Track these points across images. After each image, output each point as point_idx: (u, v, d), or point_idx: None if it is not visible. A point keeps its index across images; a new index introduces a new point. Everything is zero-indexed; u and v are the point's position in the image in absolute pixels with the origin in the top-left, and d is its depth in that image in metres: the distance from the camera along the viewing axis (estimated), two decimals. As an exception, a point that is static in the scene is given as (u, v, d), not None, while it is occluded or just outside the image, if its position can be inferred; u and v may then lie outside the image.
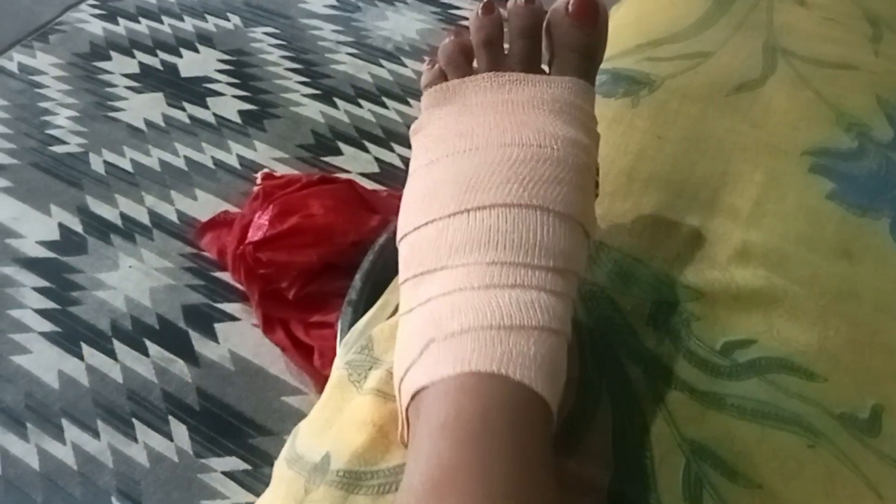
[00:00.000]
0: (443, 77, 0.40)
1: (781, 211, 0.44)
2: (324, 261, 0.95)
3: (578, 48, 0.38)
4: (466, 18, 1.49)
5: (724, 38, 0.56)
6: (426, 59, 0.45)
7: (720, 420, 0.36)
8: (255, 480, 0.88)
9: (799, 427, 0.36)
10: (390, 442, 0.36)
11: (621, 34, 0.57)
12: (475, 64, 0.41)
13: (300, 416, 0.93)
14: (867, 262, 0.41)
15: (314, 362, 0.93)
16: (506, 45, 0.40)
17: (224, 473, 0.89)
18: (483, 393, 0.29)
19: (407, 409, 0.32)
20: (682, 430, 0.36)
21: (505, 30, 0.40)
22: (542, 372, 0.30)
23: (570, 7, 0.37)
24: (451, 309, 0.32)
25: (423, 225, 0.35)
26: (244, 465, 0.90)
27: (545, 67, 0.40)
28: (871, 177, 0.45)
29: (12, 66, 1.43)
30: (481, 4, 0.40)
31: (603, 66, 0.54)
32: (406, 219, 0.37)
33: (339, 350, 0.61)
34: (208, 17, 1.53)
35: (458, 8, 1.52)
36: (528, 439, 0.29)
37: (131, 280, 1.09)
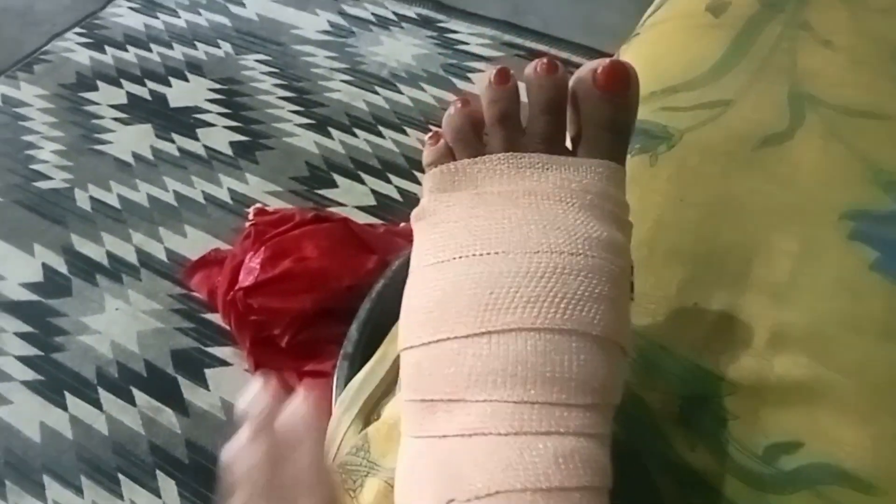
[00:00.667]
0: (450, 155, 0.35)
1: (820, 286, 0.40)
2: (318, 306, 0.90)
3: (609, 124, 0.33)
4: (464, 43, 1.45)
5: (745, 84, 0.52)
6: (429, 131, 0.39)
7: (765, 541, 0.32)
8: (248, 543, 0.84)
9: (857, 551, 0.31)
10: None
11: (633, 80, 0.53)
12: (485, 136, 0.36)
13: (295, 468, 0.89)
14: (920, 346, 0.37)
15: (309, 413, 0.88)
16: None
17: (215, 534, 0.84)
18: None
19: None
20: (722, 552, 0.32)
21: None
22: None
23: (597, 76, 0.32)
24: (473, 460, 0.27)
25: (434, 342, 0.30)
26: (236, 525, 0.85)
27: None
28: (918, 244, 0.41)
29: (-4, 98, 1.39)
30: (494, 72, 0.34)
31: (615, 116, 0.51)
32: (412, 329, 0.32)
33: (334, 409, 0.56)
34: (198, 44, 1.49)
35: (454, 32, 1.48)
36: None
37: (118, 324, 1.04)
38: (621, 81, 0.32)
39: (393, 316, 0.53)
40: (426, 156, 0.35)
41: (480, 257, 0.31)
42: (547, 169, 0.32)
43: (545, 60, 0.34)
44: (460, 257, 0.31)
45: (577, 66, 0.35)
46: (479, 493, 0.26)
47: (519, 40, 1.46)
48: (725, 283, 0.40)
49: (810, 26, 0.54)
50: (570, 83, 0.34)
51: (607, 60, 0.33)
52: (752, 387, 0.36)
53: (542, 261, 0.30)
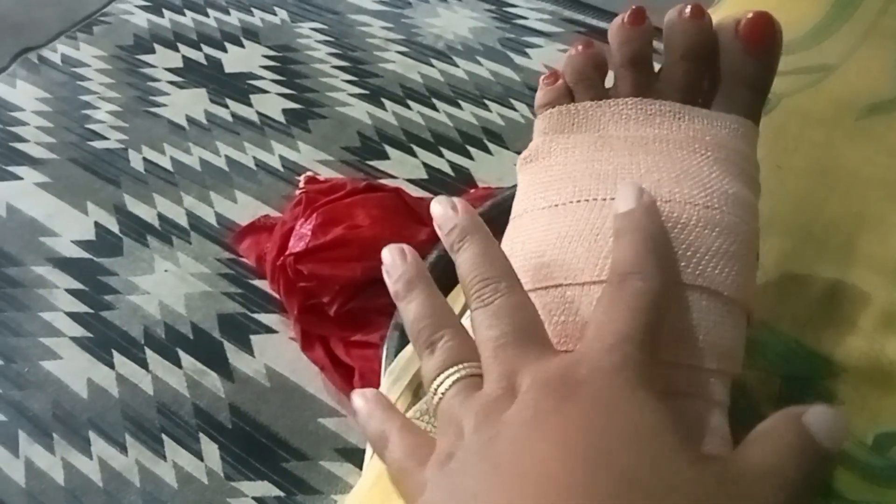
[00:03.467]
0: (569, 96, 0.32)
1: (938, 265, 0.36)
2: (368, 275, 0.88)
3: (749, 80, 0.30)
4: (523, 17, 1.41)
5: (849, 49, 0.48)
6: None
7: (875, 539, 0.28)
8: (288, 510, 0.83)
9: (981, 555, 0.28)
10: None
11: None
12: (608, 82, 0.33)
13: (337, 440, 0.88)
14: None
15: (354, 384, 0.87)
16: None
17: (255, 499, 0.84)
18: None
19: None
20: (828, 548, 0.28)
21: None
22: None
23: (741, 28, 0.30)
24: None
25: (543, 288, 0.27)
26: (277, 492, 0.84)
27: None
28: None
29: (55, 58, 1.40)
30: (628, 12, 0.31)
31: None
32: (521, 270, 0.29)
33: (383, 379, 0.54)
34: (255, 10, 1.48)
35: (513, 6, 1.44)
36: None
37: (166, 285, 1.04)
38: (767, 35, 0.30)
39: (446, 288, 0.50)
40: (541, 96, 0.33)
41: (604, 202, 0.28)
42: (679, 118, 0.30)
43: (693, 3, 0.31)
44: (579, 201, 0.29)
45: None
46: None
47: (579, 16, 1.41)
48: (830, 257, 0.37)
49: (925, -12, 0.50)
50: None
51: (752, 12, 0.30)
52: (861, 370, 0.33)
53: (674, 210, 0.27)
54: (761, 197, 0.40)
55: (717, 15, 0.56)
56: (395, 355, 0.54)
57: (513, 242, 0.30)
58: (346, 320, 0.89)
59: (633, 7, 0.31)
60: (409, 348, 0.55)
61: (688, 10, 0.31)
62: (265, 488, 0.84)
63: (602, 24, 1.38)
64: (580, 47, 0.32)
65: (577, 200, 0.29)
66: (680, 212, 0.27)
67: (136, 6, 1.51)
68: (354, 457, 0.84)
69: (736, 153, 0.29)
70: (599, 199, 0.28)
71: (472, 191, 1.10)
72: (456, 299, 0.49)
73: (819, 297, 0.35)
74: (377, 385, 0.54)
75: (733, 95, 0.30)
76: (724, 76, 0.31)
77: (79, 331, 1.00)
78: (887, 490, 0.29)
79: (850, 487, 0.29)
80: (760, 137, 0.43)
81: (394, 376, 0.54)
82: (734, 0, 0.55)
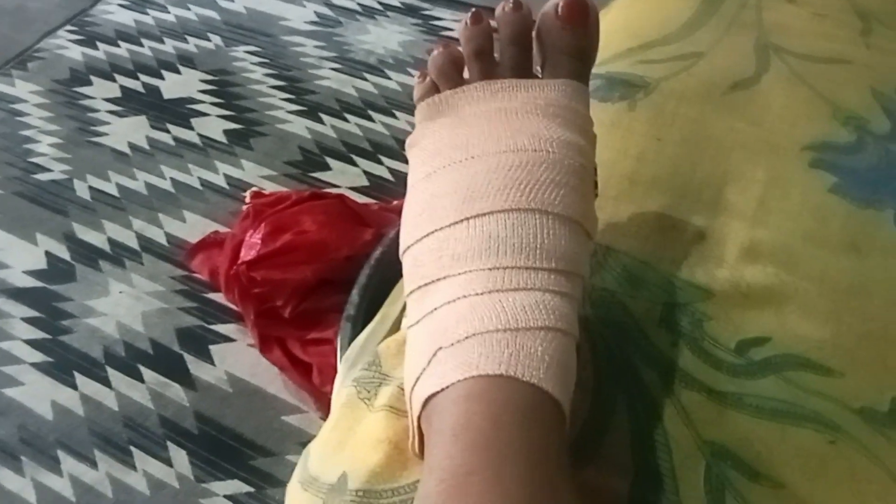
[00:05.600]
0: (435, 90, 0.40)
1: (786, 208, 0.44)
2: (318, 277, 0.94)
3: (570, 50, 0.38)
4: (448, 29, 1.49)
5: (716, 38, 0.56)
6: (417, 72, 0.45)
7: (739, 420, 0.36)
8: (259, 503, 0.87)
9: (819, 424, 0.35)
10: (407, 458, 0.35)
11: (612, 38, 0.57)
12: (466, 74, 0.41)
13: (301, 434, 0.93)
14: (875, 255, 0.41)
15: (313, 380, 0.92)
16: (497, 55, 0.40)
17: (227, 497, 0.87)
18: (492, 396, 0.29)
19: (419, 420, 0.32)
20: (701, 432, 0.35)
21: (495, 38, 0.40)
22: (550, 372, 0.29)
23: (559, 10, 0.38)
24: (456, 316, 0.31)
25: (425, 237, 0.35)
26: (247, 488, 0.88)
27: (538, 72, 0.40)
28: (872, 169, 0.45)
29: (-8, 95, 1.41)
30: (469, 14, 0.40)
31: (597, 70, 0.54)
32: (407, 232, 0.37)
33: (339, 366, 0.60)
34: (188, 38, 1.52)
35: (439, 19, 1.52)
36: (540, 441, 0.29)
37: (122, 305, 1.07)
38: (580, 11, 0.38)
39: (391, 282, 0.56)
40: (415, 92, 0.41)
41: (460, 163, 0.36)
42: (516, 90, 0.38)
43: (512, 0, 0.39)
44: (444, 167, 0.36)
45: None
46: (459, 337, 0.31)
47: (502, 25, 1.49)
48: (701, 209, 0.44)
49: (774, -16, 0.59)
50: (537, 19, 0.39)
51: None
52: (726, 293, 0.40)
53: (510, 158, 0.35)
54: (644, 163, 0.48)
55: (608, 17, 0.64)
56: (349, 345, 0.60)
57: (405, 209, 0.38)
58: (301, 321, 0.94)
59: (473, 10, 0.40)
60: (360, 337, 0.61)
61: (507, 4, 0.39)
62: (235, 486, 0.88)
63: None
64: (440, 48, 0.40)
65: (442, 167, 0.36)
66: (514, 158, 0.35)
67: (69, 40, 1.53)
68: (318, 449, 0.88)
69: (564, 108, 0.37)
70: (456, 162, 0.36)
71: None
72: (399, 296, 0.55)
73: (692, 240, 0.43)
74: (334, 377, 0.59)
75: (559, 65, 0.38)
76: (550, 50, 0.38)
77: (38, 356, 1.02)
78: (745, 381, 0.37)
79: (715, 381, 0.37)
80: (643, 115, 0.51)
81: (349, 363, 0.60)
82: (619, 3, 0.63)
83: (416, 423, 0.32)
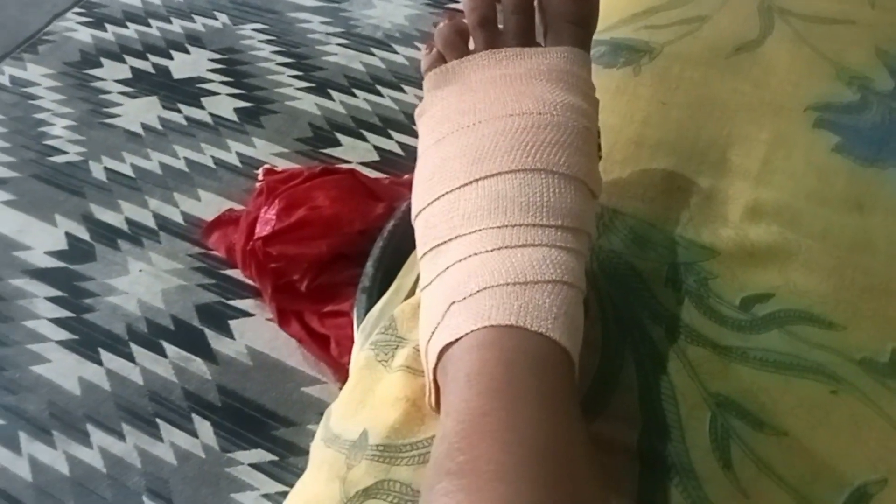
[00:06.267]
0: (441, 60, 0.41)
1: (790, 167, 0.45)
2: (333, 251, 0.95)
3: (571, 17, 0.39)
4: (454, 1, 1.48)
5: (720, 1, 0.56)
6: (423, 44, 0.46)
7: (744, 373, 0.37)
8: (283, 470, 0.90)
9: (821, 375, 0.37)
10: (424, 414, 0.37)
11: (616, 4, 0.58)
12: (471, 45, 0.42)
13: (321, 405, 0.95)
14: (878, 212, 0.42)
15: (331, 351, 0.94)
16: (500, 24, 0.41)
17: (251, 466, 0.90)
18: (504, 344, 0.31)
19: (435, 372, 0.33)
20: (707, 384, 0.37)
21: (498, 8, 0.41)
22: (558, 322, 0.31)
23: None
24: (467, 273, 0.33)
25: (435, 200, 0.37)
26: (270, 457, 0.91)
27: (540, 41, 0.41)
28: (876, 128, 0.46)
29: (4, 80, 1.42)
30: None
31: (601, 36, 0.55)
32: (419, 196, 0.38)
33: (356, 336, 0.62)
34: (196, 17, 1.52)
35: (444, -9, 1.52)
36: (551, 387, 0.30)
37: (142, 283, 1.09)
38: None
39: (404, 254, 0.58)
40: (423, 64, 0.42)
41: (468, 128, 0.37)
42: (520, 57, 0.39)
43: None
44: (452, 132, 0.38)
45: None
46: (471, 291, 0.32)
47: (509, -5, 1.49)
48: (706, 171, 0.45)
49: (777, -56, 0.58)
50: None
51: None
52: (730, 252, 0.41)
53: (515, 121, 0.36)
54: (649, 127, 0.48)
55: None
56: (365, 315, 0.62)
57: (417, 175, 0.39)
58: (317, 294, 0.96)
59: None
60: (376, 307, 0.62)
61: None
62: (259, 455, 0.91)
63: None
64: (446, 20, 0.41)
65: (451, 132, 0.38)
66: (520, 121, 0.36)
67: (78, 23, 1.54)
68: (338, 418, 0.91)
69: (566, 73, 0.38)
70: (464, 127, 0.38)
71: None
72: (412, 267, 0.56)
73: (697, 201, 0.44)
74: (352, 347, 0.61)
75: (561, 32, 0.40)
76: (552, 18, 0.40)
77: (63, 334, 1.05)
78: (749, 335, 0.38)
79: (720, 335, 0.38)
80: (647, 80, 0.52)
81: (366, 333, 0.62)
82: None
83: (432, 377, 0.33)
